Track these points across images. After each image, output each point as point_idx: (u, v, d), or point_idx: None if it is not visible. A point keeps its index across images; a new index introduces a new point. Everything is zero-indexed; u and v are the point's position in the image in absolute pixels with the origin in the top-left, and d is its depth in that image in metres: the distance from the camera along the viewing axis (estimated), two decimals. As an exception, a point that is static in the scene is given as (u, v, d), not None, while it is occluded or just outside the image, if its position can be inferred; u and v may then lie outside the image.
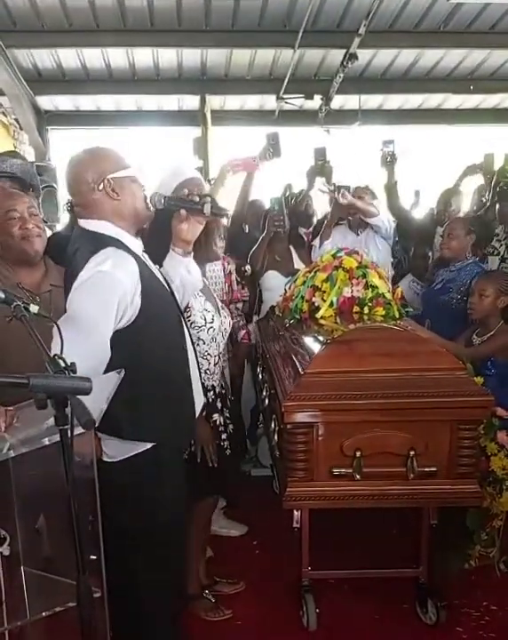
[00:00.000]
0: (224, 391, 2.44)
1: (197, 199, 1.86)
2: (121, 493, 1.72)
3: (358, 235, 3.78)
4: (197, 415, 1.98)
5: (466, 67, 7.37)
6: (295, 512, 2.26)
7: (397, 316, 2.54)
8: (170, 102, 8.12)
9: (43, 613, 1.52)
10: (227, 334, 2.46)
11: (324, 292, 2.63)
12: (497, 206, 3.81)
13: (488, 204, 4.15)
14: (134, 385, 1.63)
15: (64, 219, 4.78)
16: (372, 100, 8.14)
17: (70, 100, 7.96)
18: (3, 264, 2.07)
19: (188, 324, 2.15)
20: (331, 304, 2.58)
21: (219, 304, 2.45)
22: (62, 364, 1.19)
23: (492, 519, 2.42)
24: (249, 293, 3.45)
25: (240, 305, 3.28)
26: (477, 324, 2.98)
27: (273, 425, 2.50)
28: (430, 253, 3.99)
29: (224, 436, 2.37)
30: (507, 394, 2.50)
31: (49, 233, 2.53)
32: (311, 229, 4.33)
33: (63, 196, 4.29)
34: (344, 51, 6.29)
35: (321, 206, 4.55)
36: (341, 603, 2.50)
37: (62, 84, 7.40)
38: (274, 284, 3.53)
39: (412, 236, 4.20)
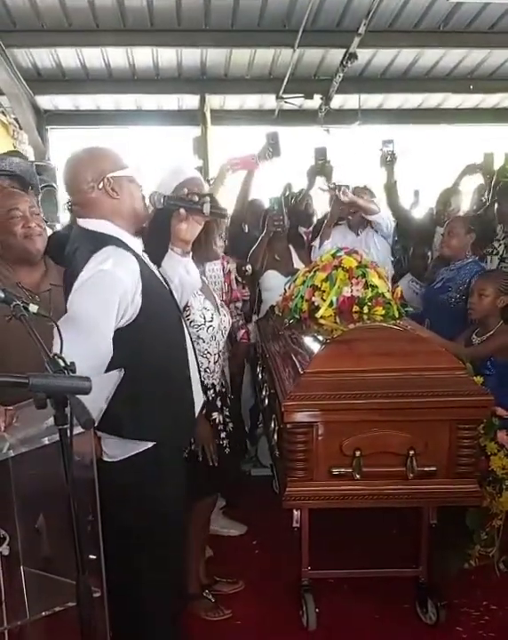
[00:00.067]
0: (224, 389, 2.44)
1: (197, 199, 1.86)
2: (122, 493, 1.72)
3: (358, 234, 3.78)
4: (197, 414, 1.98)
5: (466, 66, 7.38)
6: (295, 512, 2.26)
7: (397, 315, 2.54)
8: (170, 102, 8.13)
9: (43, 613, 1.52)
10: (227, 332, 2.46)
11: (324, 291, 2.63)
12: (496, 206, 3.81)
13: (487, 203, 4.15)
14: (134, 383, 1.63)
15: (63, 218, 4.79)
16: (372, 100, 8.15)
17: (70, 99, 7.97)
18: (2, 263, 2.07)
19: (188, 323, 2.16)
20: (331, 304, 2.58)
21: (218, 302, 2.45)
22: (61, 364, 1.19)
23: (492, 519, 2.41)
24: (249, 293, 3.45)
25: (239, 304, 3.28)
26: (476, 324, 2.98)
27: (272, 425, 2.50)
28: (429, 253, 3.99)
29: (223, 435, 2.36)
30: (507, 393, 2.50)
31: (49, 232, 2.53)
32: (311, 229, 4.33)
33: (63, 195, 4.29)
34: (343, 50, 6.30)
35: (321, 206, 4.55)
36: (341, 602, 2.50)
37: (62, 83, 7.42)
38: (274, 284, 3.53)
39: (411, 235, 4.20)
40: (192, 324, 2.23)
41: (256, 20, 6.07)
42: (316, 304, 2.63)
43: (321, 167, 4.66)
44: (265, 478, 3.38)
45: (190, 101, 7.96)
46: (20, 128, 7.68)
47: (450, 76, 7.59)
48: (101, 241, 1.72)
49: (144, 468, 1.77)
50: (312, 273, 2.74)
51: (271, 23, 6.12)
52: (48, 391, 1.14)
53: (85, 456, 1.43)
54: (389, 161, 4.12)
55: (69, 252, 1.81)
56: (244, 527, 3.09)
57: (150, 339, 1.75)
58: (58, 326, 1.36)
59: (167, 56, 6.87)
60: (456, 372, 2.16)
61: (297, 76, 7.13)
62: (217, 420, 2.35)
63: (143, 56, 6.85)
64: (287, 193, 4.86)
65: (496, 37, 6.48)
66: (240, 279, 3.31)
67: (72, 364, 1.20)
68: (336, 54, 6.60)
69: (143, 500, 1.78)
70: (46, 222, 2.78)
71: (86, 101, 8.06)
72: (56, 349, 1.28)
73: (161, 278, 1.89)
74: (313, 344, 2.34)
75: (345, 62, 6.36)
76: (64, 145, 8.20)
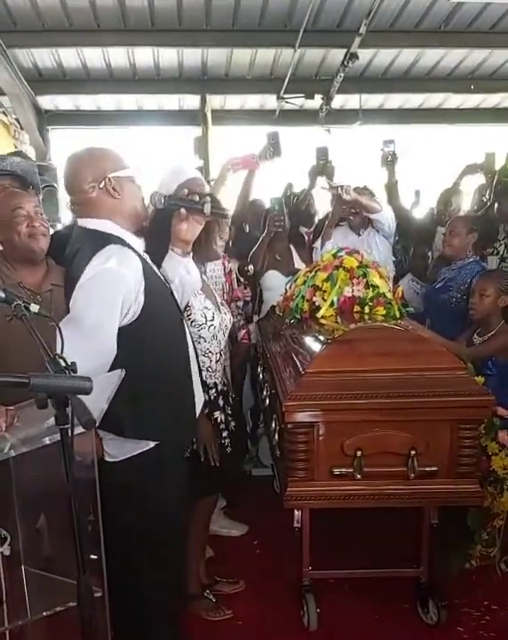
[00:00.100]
0: (225, 388, 2.44)
1: (197, 199, 1.86)
2: (124, 493, 1.72)
3: (359, 235, 3.77)
4: (199, 413, 1.98)
5: (467, 66, 7.38)
6: (295, 512, 2.26)
7: (398, 315, 2.54)
8: (171, 102, 8.13)
9: (44, 613, 1.52)
10: (228, 331, 2.46)
11: (325, 291, 2.63)
12: (496, 206, 3.80)
13: (488, 203, 4.15)
14: (136, 382, 1.64)
15: (64, 218, 4.79)
16: (373, 100, 8.15)
17: (71, 99, 7.97)
18: (4, 263, 2.07)
19: (189, 322, 2.16)
20: (332, 304, 2.58)
21: (219, 301, 2.45)
22: (62, 364, 1.19)
23: (493, 519, 2.42)
24: (251, 293, 3.45)
25: (240, 303, 3.28)
26: (477, 324, 2.98)
27: (273, 425, 2.49)
28: (429, 253, 3.99)
29: (225, 434, 2.36)
30: (508, 393, 2.51)
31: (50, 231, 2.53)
32: (312, 229, 4.33)
33: (63, 195, 4.30)
34: (344, 50, 6.30)
35: (322, 205, 4.54)
36: (342, 602, 2.50)
37: (63, 83, 7.42)
38: (275, 284, 3.53)
39: (412, 235, 4.19)
40: (193, 323, 2.23)
41: (257, 20, 6.07)
42: (317, 304, 2.62)
43: (323, 167, 4.65)
44: (265, 478, 3.38)
45: (191, 101, 7.96)
46: (22, 128, 7.69)
47: (451, 76, 7.59)
48: (104, 240, 1.72)
49: (145, 468, 1.77)
50: (313, 273, 2.74)
51: (272, 23, 6.12)
52: (49, 391, 1.14)
53: (86, 456, 1.43)
54: (390, 161, 4.11)
55: (71, 252, 1.81)
56: (245, 527, 3.09)
57: (151, 338, 1.75)
58: (59, 326, 1.36)
59: (168, 56, 6.88)
60: (458, 372, 2.16)
61: (298, 76, 7.13)
62: (218, 419, 2.35)
63: (144, 56, 6.85)
64: (288, 193, 4.86)
65: (496, 37, 6.49)
66: (242, 279, 3.31)
67: (73, 363, 1.20)
68: (337, 54, 6.60)
69: (144, 500, 1.78)
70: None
71: (87, 101, 8.06)
72: (60, 349, 1.28)
73: (162, 278, 1.89)
74: (314, 344, 2.34)
75: (345, 62, 6.36)
76: (65, 145, 8.19)
